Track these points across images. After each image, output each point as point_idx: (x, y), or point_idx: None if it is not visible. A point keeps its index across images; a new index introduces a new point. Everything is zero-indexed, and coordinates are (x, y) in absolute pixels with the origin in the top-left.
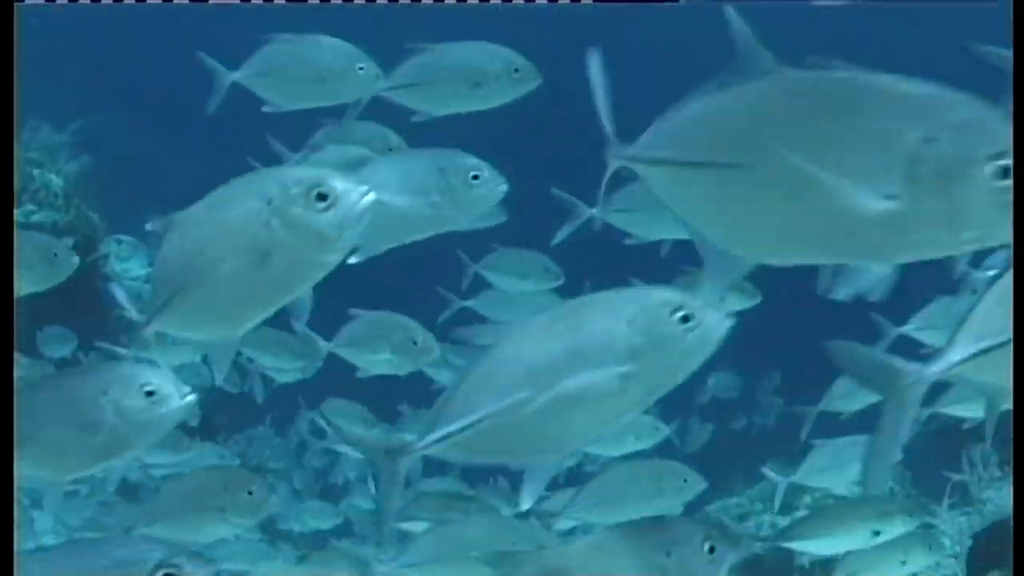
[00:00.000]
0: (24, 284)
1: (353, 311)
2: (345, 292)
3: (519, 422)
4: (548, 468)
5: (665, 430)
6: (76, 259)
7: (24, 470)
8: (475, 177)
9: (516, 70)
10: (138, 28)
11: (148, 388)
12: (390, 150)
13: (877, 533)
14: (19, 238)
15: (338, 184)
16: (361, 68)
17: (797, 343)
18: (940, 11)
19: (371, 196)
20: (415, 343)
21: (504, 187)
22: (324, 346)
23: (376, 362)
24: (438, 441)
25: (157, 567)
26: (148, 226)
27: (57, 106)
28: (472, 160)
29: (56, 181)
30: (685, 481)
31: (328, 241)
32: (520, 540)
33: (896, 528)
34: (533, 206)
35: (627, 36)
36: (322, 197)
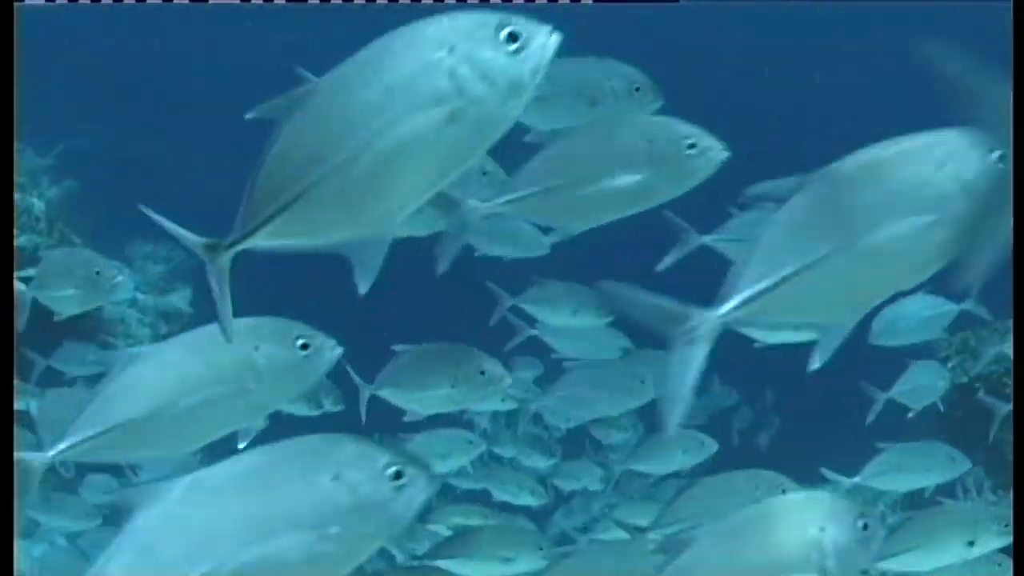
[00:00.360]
0: (65, 305)
1: (398, 347)
2: (380, 326)
3: (825, 278)
4: (842, 330)
5: (712, 445)
6: (121, 278)
7: (156, 441)
8: (691, 146)
9: (637, 88)
10: (122, 50)
11: (303, 341)
12: (484, 174)
13: (971, 544)
14: (60, 255)
15: (524, 22)
16: None
17: (789, 359)
18: (941, 11)
19: (557, 37)
20: (482, 373)
21: (725, 154)
22: (366, 389)
23: (432, 399)
24: (749, 301)
25: (388, 464)
26: (252, 113)
27: (39, 130)
28: (686, 127)
29: (38, 205)
30: (783, 491)
31: (522, 88)
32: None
33: (991, 539)
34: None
35: (627, 36)
36: (513, 37)
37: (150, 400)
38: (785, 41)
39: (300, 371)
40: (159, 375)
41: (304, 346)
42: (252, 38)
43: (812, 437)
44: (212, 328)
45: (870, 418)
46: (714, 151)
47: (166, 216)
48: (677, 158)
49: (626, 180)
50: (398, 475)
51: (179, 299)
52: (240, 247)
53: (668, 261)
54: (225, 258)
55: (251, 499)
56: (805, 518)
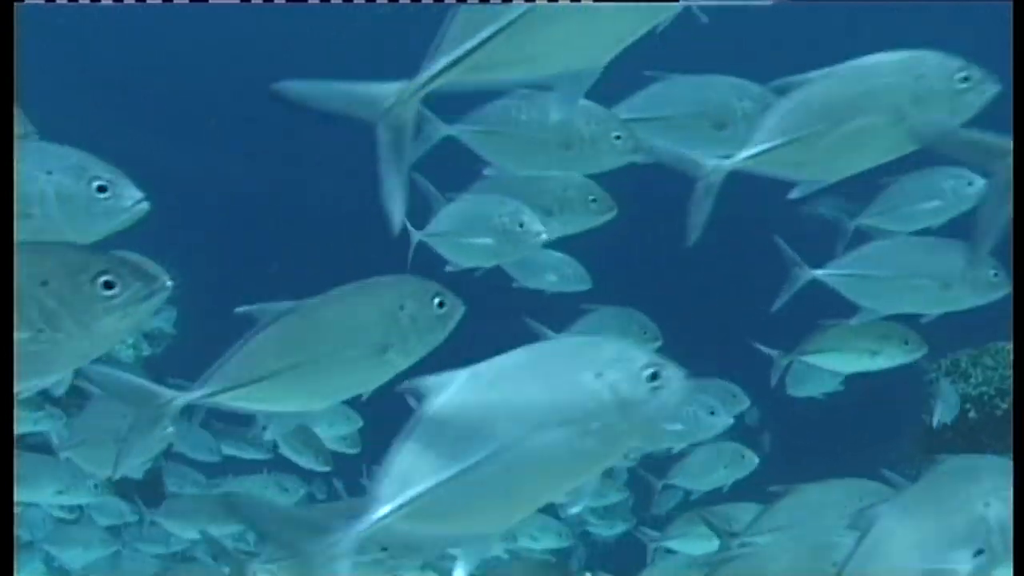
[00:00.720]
0: None
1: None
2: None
3: None
4: None
5: (753, 459)
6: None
7: (294, 396)
8: (964, 79)
9: None
10: (116, 55)
11: (439, 299)
12: (593, 201)
13: None
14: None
15: None
16: (618, 137)
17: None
18: (943, 10)
19: None
20: None
21: (998, 87)
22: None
23: None
24: None
25: (646, 366)
26: None
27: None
28: (954, 58)
29: None
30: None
31: None
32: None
33: None
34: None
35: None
36: None
37: (294, 355)
38: (785, 41)
39: (437, 329)
40: (305, 331)
41: (441, 304)
42: (252, 40)
43: (806, 455)
44: (360, 284)
45: (935, 421)
46: (987, 83)
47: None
48: (949, 93)
49: (891, 121)
50: (654, 376)
51: (163, 320)
52: (434, 84)
53: (781, 300)
54: (409, 108)
55: (524, 392)
56: (974, 493)
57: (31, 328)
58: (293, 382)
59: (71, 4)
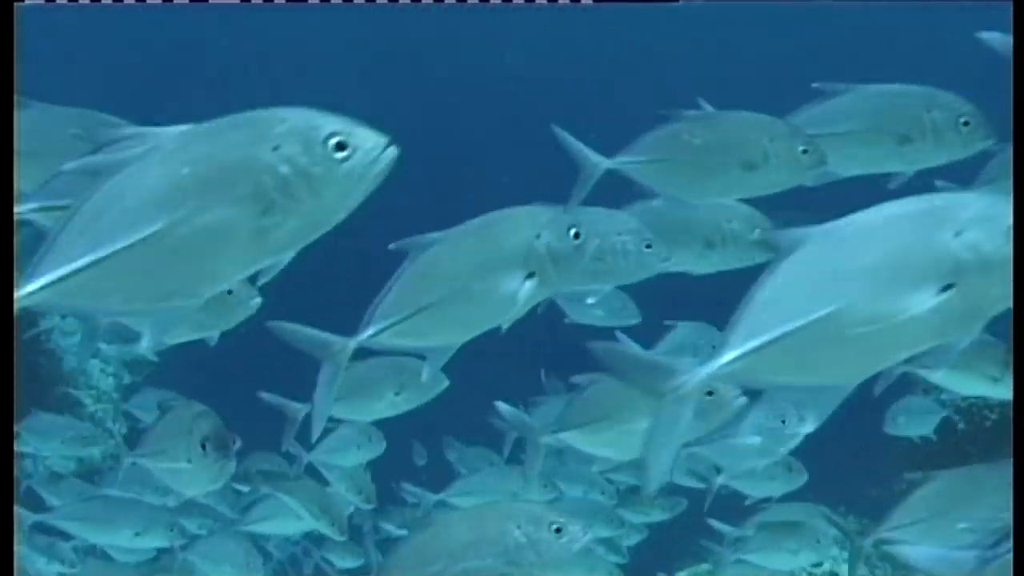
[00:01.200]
0: (189, 326)
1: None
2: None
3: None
4: None
5: (802, 472)
6: (258, 299)
7: (451, 326)
8: None
9: (965, 122)
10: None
11: (575, 230)
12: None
13: None
14: None
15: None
16: (804, 151)
17: None
18: (943, 10)
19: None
20: None
21: None
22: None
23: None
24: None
25: (1011, 225)
26: None
27: None
28: None
29: None
30: None
31: None
32: None
33: None
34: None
35: (627, 36)
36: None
37: (447, 285)
38: (786, 41)
39: (574, 259)
40: (453, 260)
41: (576, 235)
42: (252, 40)
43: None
44: (497, 215)
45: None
46: None
47: None
48: None
49: None
50: None
51: (144, 348)
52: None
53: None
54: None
55: (878, 250)
56: None
57: (262, 201)
58: (448, 312)
59: (71, 4)
